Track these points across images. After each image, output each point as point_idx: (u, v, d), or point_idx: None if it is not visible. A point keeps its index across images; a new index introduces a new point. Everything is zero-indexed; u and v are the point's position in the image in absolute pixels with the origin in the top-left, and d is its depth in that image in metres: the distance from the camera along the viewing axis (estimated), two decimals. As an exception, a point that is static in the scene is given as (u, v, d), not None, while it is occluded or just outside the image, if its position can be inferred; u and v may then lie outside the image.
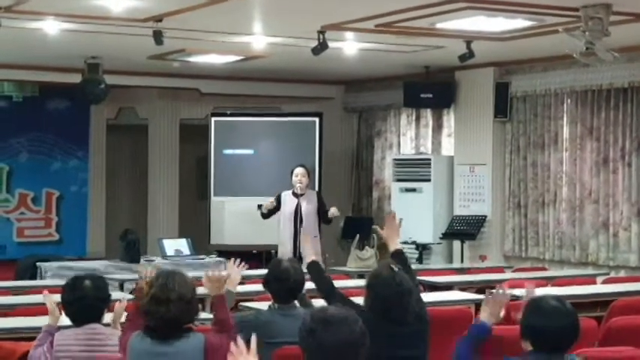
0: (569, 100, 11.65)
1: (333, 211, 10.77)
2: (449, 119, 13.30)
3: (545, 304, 4.23)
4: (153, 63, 11.88)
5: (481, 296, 8.11)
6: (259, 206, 11.27)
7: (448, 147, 13.29)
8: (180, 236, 12.65)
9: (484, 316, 5.09)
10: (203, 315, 4.99)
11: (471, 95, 12.54)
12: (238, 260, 5.88)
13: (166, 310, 4.54)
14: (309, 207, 10.82)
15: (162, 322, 4.57)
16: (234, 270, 5.77)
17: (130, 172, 15.14)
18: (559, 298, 4.27)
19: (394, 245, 5.76)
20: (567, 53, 8.74)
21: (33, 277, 10.61)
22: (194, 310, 4.69)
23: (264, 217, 10.95)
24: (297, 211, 10.77)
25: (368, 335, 3.79)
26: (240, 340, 3.44)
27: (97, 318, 5.15)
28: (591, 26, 8.06)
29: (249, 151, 13.81)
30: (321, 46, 9.61)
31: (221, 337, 4.72)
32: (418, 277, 8.87)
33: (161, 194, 14.28)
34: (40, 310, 6.63)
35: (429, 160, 12.97)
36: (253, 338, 3.45)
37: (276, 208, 10.86)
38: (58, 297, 5.34)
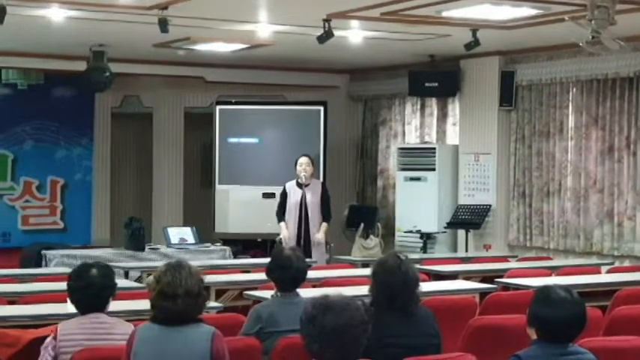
0: (574, 89, 11.62)
1: (318, 239, 10.89)
2: (454, 108, 13.28)
3: (554, 294, 4.23)
4: (158, 51, 11.87)
5: (485, 285, 8.14)
6: (265, 195, 11.29)
7: (453, 136, 13.27)
8: (185, 224, 12.67)
9: None
10: (211, 304, 4.99)
11: (476, 84, 12.52)
12: None
13: (174, 305, 4.54)
14: (313, 197, 10.88)
15: (170, 317, 4.58)
16: None
17: (135, 160, 15.13)
18: (567, 288, 4.26)
19: None
20: (573, 42, 8.72)
21: (38, 264, 10.63)
22: (202, 303, 4.68)
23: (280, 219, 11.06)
24: (302, 202, 10.82)
25: (369, 322, 3.80)
26: None
27: (102, 307, 5.16)
28: (597, 15, 8.03)
29: (254, 140, 13.81)
30: (327, 35, 9.60)
31: None
32: (423, 266, 8.95)
33: (166, 182, 14.28)
34: (45, 297, 6.66)
35: (434, 149, 12.95)
36: None
37: (285, 203, 10.95)
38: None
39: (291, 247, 5.96)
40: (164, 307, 4.56)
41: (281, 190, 11.11)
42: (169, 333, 4.56)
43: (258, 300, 6.53)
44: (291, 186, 10.94)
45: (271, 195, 12.38)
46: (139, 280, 9.25)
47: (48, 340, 5.04)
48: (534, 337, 4.24)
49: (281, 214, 10.98)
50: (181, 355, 4.50)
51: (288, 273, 5.60)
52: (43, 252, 10.67)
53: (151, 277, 4.95)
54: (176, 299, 4.53)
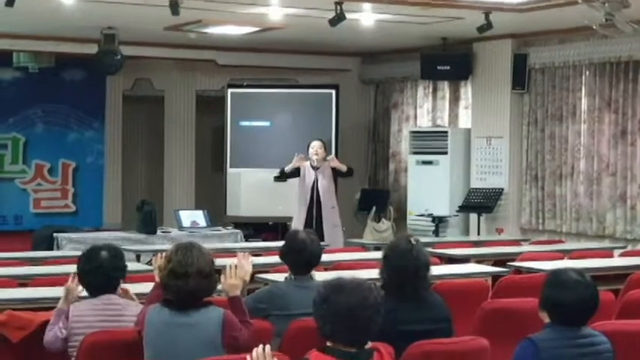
0: (587, 72, 11.56)
1: (330, 158, 10.88)
2: (466, 91, 13.23)
3: (566, 277, 4.22)
4: (169, 34, 11.84)
5: (498, 269, 8.12)
6: (278, 176, 11.32)
7: (465, 119, 13.23)
8: (197, 208, 12.66)
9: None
10: (220, 287, 4.99)
11: (488, 67, 12.47)
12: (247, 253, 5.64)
13: (184, 284, 4.55)
14: (324, 181, 10.88)
15: (181, 296, 4.58)
16: (244, 263, 5.31)
17: (146, 143, 15.13)
18: (579, 271, 4.26)
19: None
20: (586, 25, 8.66)
21: (49, 247, 10.64)
22: (212, 283, 4.69)
23: (282, 177, 10.98)
24: (314, 185, 10.82)
25: (382, 304, 3.80)
26: (258, 350, 3.51)
27: (113, 288, 5.16)
28: (611, -3, 7.98)
29: (266, 123, 13.79)
30: (338, 18, 9.55)
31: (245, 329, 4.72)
32: (435, 250, 8.93)
33: (177, 165, 14.29)
34: (57, 280, 6.66)
35: (446, 132, 12.91)
36: (267, 348, 3.51)
37: (297, 173, 10.93)
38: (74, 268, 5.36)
39: (306, 231, 5.92)
40: (175, 286, 4.56)
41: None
42: (180, 319, 4.56)
43: (269, 284, 6.52)
44: (307, 165, 10.95)
45: (283, 179, 12.37)
46: (150, 263, 9.25)
47: (58, 325, 5.05)
48: (547, 320, 4.23)
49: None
50: (192, 342, 4.51)
51: (302, 256, 5.58)
52: (55, 235, 10.68)
53: (157, 258, 4.96)
54: (187, 278, 4.54)
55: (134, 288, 5.75)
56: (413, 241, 4.98)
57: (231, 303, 4.86)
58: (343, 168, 11.07)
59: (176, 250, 4.69)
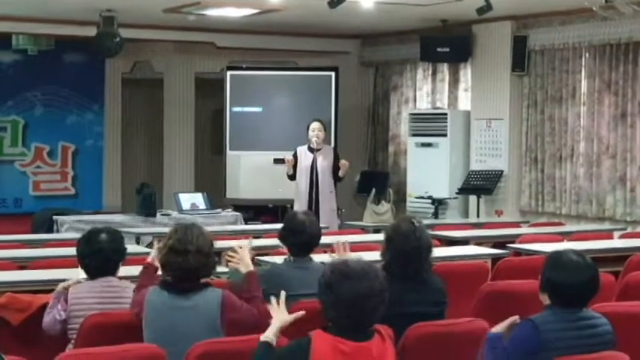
0: (587, 54, 11.54)
1: (342, 162, 10.74)
2: (466, 73, 13.20)
3: (566, 259, 4.21)
4: (168, 16, 11.82)
5: (497, 251, 8.12)
6: (276, 161, 11.27)
7: (465, 101, 13.20)
8: (196, 190, 12.65)
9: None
10: (219, 269, 4.99)
11: (488, 49, 12.44)
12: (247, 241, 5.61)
13: (184, 261, 4.54)
14: (324, 163, 10.81)
15: (180, 273, 4.57)
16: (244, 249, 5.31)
17: (146, 126, 15.12)
18: (579, 253, 4.25)
19: None
20: (586, 6, 8.65)
21: (49, 230, 10.64)
22: (212, 263, 4.69)
23: (292, 178, 10.88)
24: (313, 167, 10.77)
25: (387, 291, 3.77)
26: (272, 299, 3.51)
27: (113, 271, 5.17)
28: (611, -21, 7.97)
29: (265, 106, 13.75)
30: (338, 0, 9.52)
31: (248, 307, 4.73)
32: (434, 232, 8.92)
33: (177, 148, 14.27)
34: (56, 262, 6.67)
35: (446, 114, 12.89)
36: (282, 294, 3.50)
37: (296, 163, 10.86)
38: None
39: (305, 212, 5.91)
40: (175, 263, 4.56)
41: (292, 152, 11.04)
42: (178, 302, 4.56)
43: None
44: (302, 150, 10.89)
45: (282, 161, 12.37)
46: (150, 245, 9.25)
47: (57, 307, 5.05)
48: (547, 302, 4.23)
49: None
50: (191, 324, 4.52)
51: (301, 238, 5.58)
52: (55, 217, 10.68)
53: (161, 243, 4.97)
54: (187, 255, 4.54)
55: (133, 271, 5.76)
56: (415, 223, 4.97)
57: (250, 276, 4.96)
58: (342, 174, 10.89)
59: (176, 229, 4.71)
